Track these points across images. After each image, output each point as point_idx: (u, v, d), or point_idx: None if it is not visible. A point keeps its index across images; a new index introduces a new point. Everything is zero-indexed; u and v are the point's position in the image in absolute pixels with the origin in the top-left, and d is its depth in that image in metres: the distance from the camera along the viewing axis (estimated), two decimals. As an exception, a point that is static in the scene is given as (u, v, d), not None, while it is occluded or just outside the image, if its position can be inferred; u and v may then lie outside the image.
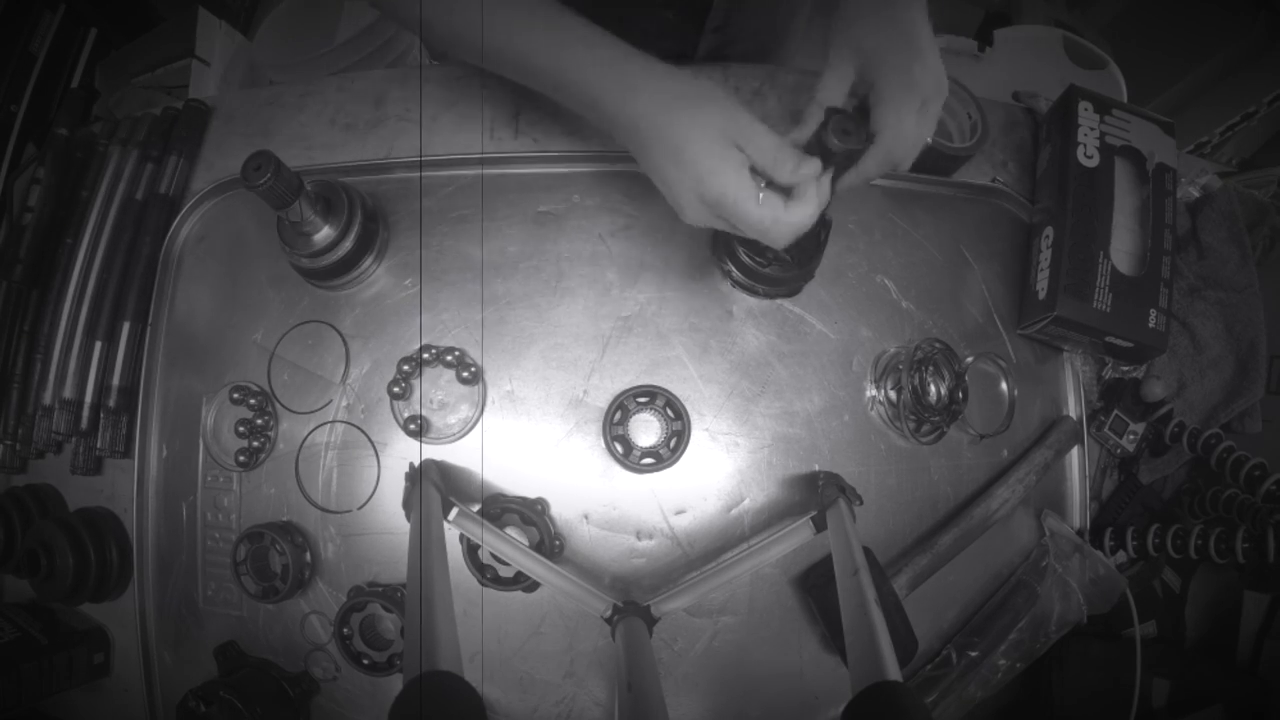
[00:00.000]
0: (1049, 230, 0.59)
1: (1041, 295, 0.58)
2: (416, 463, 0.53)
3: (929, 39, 0.44)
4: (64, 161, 0.64)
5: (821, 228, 0.51)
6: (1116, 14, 1.38)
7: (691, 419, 0.57)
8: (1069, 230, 0.57)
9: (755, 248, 0.54)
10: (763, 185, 0.41)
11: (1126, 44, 1.23)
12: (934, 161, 0.62)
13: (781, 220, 0.42)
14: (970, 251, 0.63)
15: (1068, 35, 1.08)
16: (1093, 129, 0.60)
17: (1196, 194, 0.70)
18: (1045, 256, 0.59)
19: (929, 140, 0.51)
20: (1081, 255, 0.57)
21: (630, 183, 0.61)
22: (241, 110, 0.67)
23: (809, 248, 0.54)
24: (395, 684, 0.55)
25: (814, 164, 0.41)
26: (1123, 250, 0.59)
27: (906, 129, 0.44)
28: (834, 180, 0.44)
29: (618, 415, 0.56)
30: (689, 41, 0.66)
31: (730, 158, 0.40)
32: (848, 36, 0.45)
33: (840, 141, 0.40)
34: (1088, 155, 0.59)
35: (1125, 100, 0.74)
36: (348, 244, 0.56)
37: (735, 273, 0.57)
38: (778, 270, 0.54)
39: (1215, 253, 0.67)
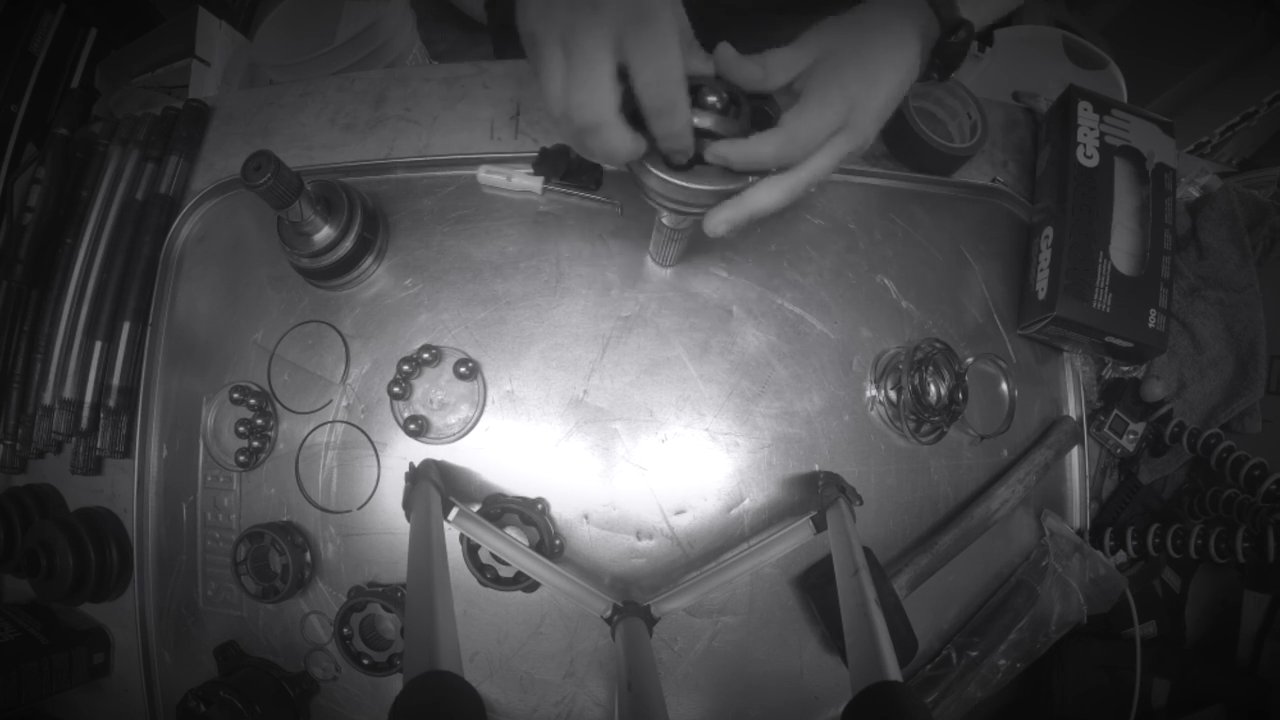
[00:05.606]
0: (1049, 230, 0.59)
1: (1041, 295, 0.58)
2: (416, 463, 0.53)
3: (893, 92, 0.40)
4: (64, 161, 0.64)
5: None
6: (1116, 14, 1.37)
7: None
8: (1069, 230, 0.57)
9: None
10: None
11: (1126, 44, 1.23)
12: (934, 161, 0.62)
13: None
14: (970, 251, 0.63)
15: (1068, 35, 1.08)
16: (1092, 129, 0.60)
17: (1196, 194, 0.70)
18: (1045, 256, 0.59)
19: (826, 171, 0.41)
20: (1081, 255, 0.57)
21: (631, 183, 0.61)
22: (241, 110, 0.67)
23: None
24: (395, 684, 0.55)
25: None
26: (1122, 250, 0.59)
27: (810, 127, 0.38)
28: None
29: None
30: None
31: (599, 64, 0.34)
32: (822, 35, 0.40)
33: (712, 109, 0.36)
34: (1087, 155, 0.59)
35: (1125, 100, 0.74)
36: (348, 244, 0.56)
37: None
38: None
39: (1215, 253, 0.67)
